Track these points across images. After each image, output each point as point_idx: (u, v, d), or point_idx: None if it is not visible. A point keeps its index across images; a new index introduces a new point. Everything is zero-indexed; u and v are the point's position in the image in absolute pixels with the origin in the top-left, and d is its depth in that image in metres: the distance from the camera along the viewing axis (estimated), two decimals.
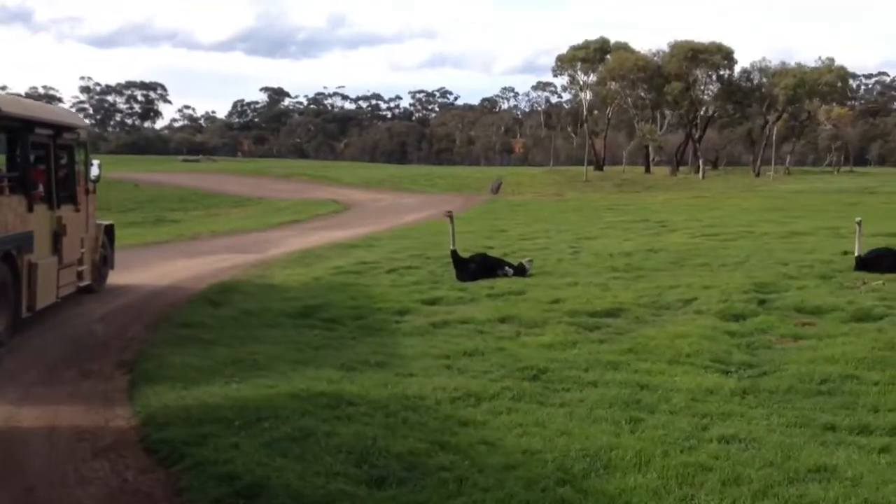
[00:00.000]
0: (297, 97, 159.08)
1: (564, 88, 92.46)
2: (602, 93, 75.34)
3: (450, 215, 15.35)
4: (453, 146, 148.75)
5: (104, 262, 13.73)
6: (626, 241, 20.99)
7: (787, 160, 73.47)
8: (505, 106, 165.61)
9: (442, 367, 8.32)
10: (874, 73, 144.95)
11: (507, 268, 14.83)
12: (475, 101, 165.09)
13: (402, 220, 31.21)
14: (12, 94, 23.61)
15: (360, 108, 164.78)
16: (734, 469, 5.34)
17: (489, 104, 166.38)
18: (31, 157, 10.85)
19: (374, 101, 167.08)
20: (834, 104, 73.53)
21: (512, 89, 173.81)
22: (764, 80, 71.39)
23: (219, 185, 49.25)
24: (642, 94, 72.74)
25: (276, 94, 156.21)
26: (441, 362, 8.55)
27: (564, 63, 77.43)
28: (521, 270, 14.89)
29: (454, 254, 14.94)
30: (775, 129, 69.47)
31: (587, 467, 5.46)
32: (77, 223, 12.23)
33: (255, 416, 6.42)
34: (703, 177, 67.29)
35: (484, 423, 6.40)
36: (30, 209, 10.34)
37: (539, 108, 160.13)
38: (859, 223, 14.18)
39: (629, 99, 73.75)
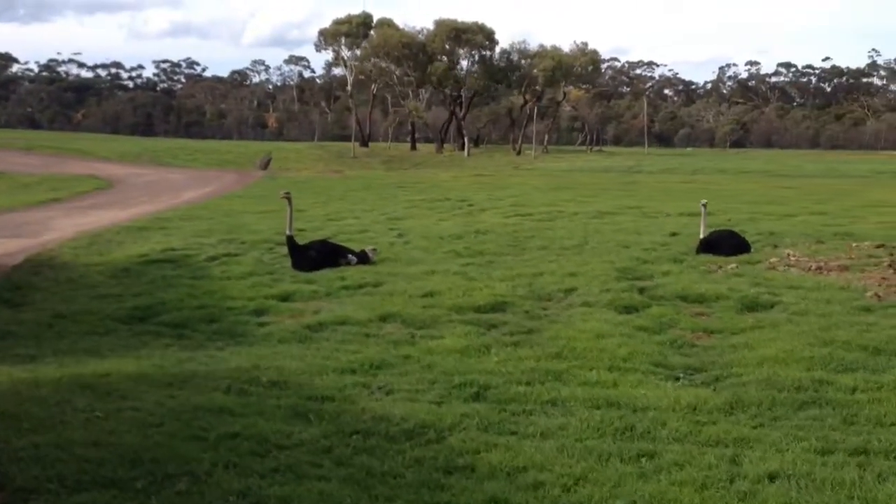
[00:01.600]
0: (26, 63, 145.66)
1: (329, 64, 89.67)
2: (367, 69, 74.35)
3: (287, 197, 13.66)
4: (203, 119, 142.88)
5: None
6: (443, 222, 20.14)
7: (545, 140, 76.24)
8: (256, 79, 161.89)
9: (358, 386, 6.89)
10: (606, 58, 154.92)
11: (349, 255, 13.42)
12: (224, 74, 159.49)
13: (180, 198, 28.59)
14: None
15: (98, 76, 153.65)
16: None
17: (239, 77, 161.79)
18: None
19: (114, 70, 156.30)
20: (590, 86, 77.21)
21: (263, 62, 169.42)
22: (522, 61, 73.49)
23: None
24: (408, 71, 72.47)
25: (3, 59, 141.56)
26: (351, 379, 7.10)
27: (328, 37, 75.66)
28: (363, 258, 13.55)
29: (290, 240, 13.32)
30: (535, 109, 71.85)
31: None
32: None
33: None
34: (468, 154, 68.36)
35: (472, 469, 5.12)
36: None
37: (292, 83, 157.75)
38: (704, 205, 14.11)
39: (395, 76, 73.23)
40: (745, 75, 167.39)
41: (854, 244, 14.90)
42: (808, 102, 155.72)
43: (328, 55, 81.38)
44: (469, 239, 16.58)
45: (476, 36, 69.79)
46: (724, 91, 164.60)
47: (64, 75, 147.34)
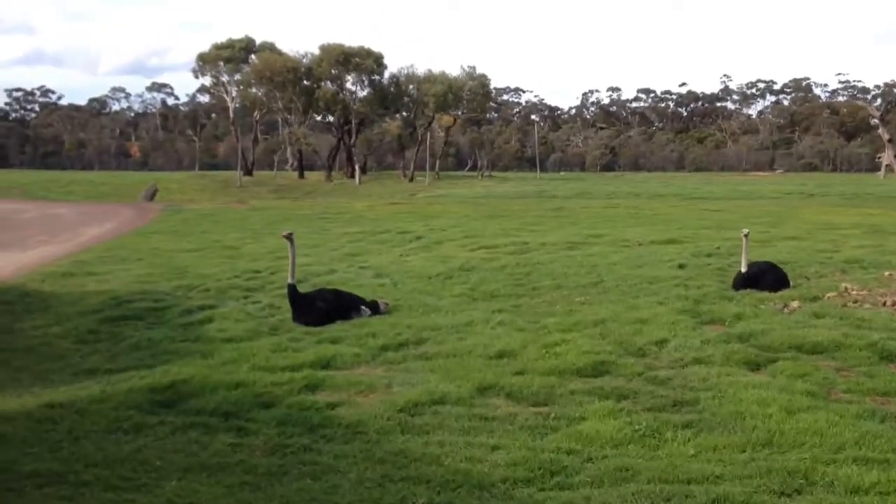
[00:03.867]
0: None
1: (207, 89, 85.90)
2: (250, 95, 71.33)
3: (290, 238, 11.50)
4: (62, 149, 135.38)
5: None
6: (408, 258, 18.25)
7: (437, 166, 74.92)
8: (116, 107, 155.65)
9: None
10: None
11: (362, 307, 11.38)
12: (82, 102, 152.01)
13: (84, 235, 25.54)
14: None
15: None
16: None
17: (98, 105, 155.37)
18: None
19: None
20: (475, 111, 76.43)
21: (123, 90, 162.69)
22: (411, 86, 72.14)
23: None
24: (293, 97, 69.88)
25: None
26: (530, 492, 5.23)
27: (207, 63, 72.24)
28: (375, 308, 11.55)
29: (293, 289, 11.18)
30: (428, 135, 70.50)
31: None
32: None
33: None
34: (360, 182, 66.29)
35: None
36: None
37: (154, 110, 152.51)
38: (746, 235, 12.79)
39: (280, 102, 70.47)
40: (606, 101, 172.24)
41: (887, 273, 13.95)
42: (667, 126, 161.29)
43: (206, 80, 77.53)
44: (462, 278, 14.81)
45: (366, 60, 67.98)
46: (588, 116, 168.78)
47: None
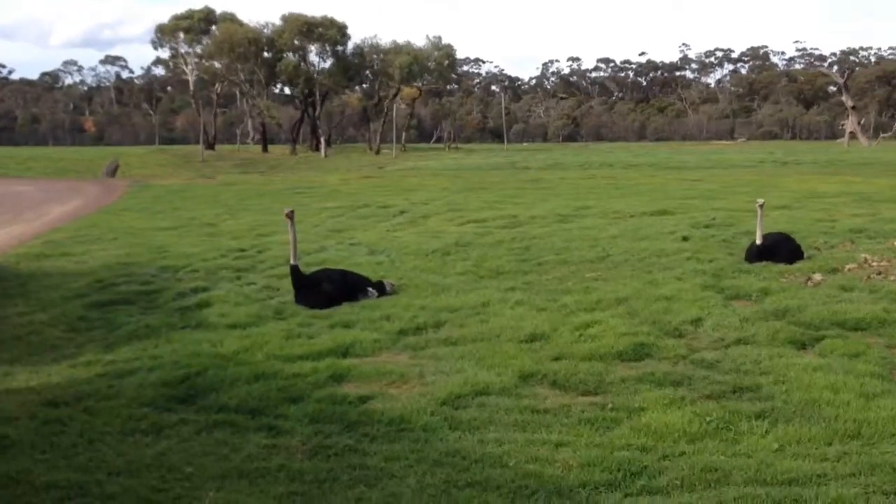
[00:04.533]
0: None
1: (163, 62, 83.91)
2: (211, 68, 69.69)
3: (290, 216, 10.80)
4: (14, 124, 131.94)
5: None
6: (397, 233, 17.65)
7: (403, 138, 73.97)
8: (69, 81, 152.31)
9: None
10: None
11: (369, 288, 10.77)
12: (34, 76, 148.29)
13: (49, 214, 24.49)
14: None
15: None
16: None
17: (51, 79, 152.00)
18: None
19: None
20: (440, 82, 75.55)
21: (75, 63, 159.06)
22: (375, 56, 70.98)
23: None
24: (255, 69, 68.40)
25: None
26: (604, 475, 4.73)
27: (166, 34, 70.38)
28: (381, 289, 10.93)
29: (296, 270, 10.53)
30: (395, 106, 69.50)
31: None
32: None
33: None
34: (325, 155, 65.26)
35: None
36: None
37: (109, 84, 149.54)
38: (761, 206, 12.35)
39: (241, 74, 68.92)
40: (567, 71, 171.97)
41: None
42: (627, 96, 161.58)
43: (164, 53, 75.66)
44: (460, 254, 14.24)
45: (329, 31, 66.63)
46: (548, 87, 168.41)
47: None
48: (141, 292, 11.44)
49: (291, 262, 10.54)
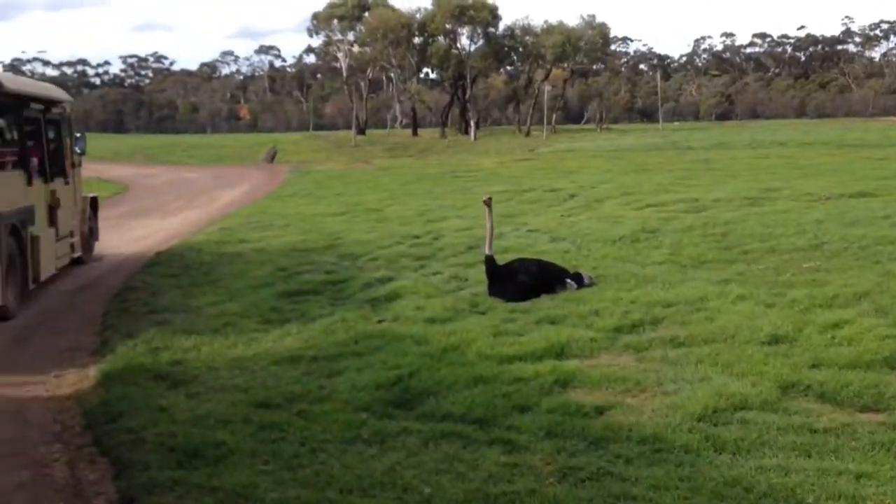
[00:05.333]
0: None
1: (314, 50, 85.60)
2: (364, 54, 70.36)
3: (488, 203, 10.16)
4: (175, 114, 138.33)
5: (91, 234, 13.93)
6: (572, 219, 16.82)
7: (553, 119, 72.69)
8: (226, 71, 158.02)
9: None
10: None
11: (568, 280, 9.99)
12: (193, 67, 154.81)
13: (219, 200, 25.01)
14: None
15: (64, 74, 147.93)
16: None
17: (209, 69, 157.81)
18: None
19: (80, 67, 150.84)
20: (593, 62, 73.82)
21: (232, 53, 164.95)
22: (527, 38, 69.91)
23: None
24: (406, 53, 68.63)
25: None
26: None
27: (321, 22, 71.56)
28: (579, 281, 10.13)
29: (491, 261, 9.88)
30: (546, 88, 68.35)
31: None
32: (67, 196, 12.35)
33: None
34: (475, 138, 64.83)
35: None
36: (29, 183, 10.44)
37: (263, 73, 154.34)
38: None
39: (393, 59, 69.29)
40: (720, 47, 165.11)
41: None
42: (784, 72, 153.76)
43: (318, 41, 77.04)
44: (652, 241, 13.29)
45: (480, 13, 65.99)
46: (700, 64, 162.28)
47: (29, 74, 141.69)
48: (327, 282, 11.08)
49: (486, 251, 9.89)
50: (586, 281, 10.16)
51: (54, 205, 11.45)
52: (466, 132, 67.94)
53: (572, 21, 69.67)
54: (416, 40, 69.25)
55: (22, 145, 10.59)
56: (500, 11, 77.54)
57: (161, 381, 7.07)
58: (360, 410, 6.13)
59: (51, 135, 12.10)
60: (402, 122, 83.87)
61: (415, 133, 70.13)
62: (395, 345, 7.70)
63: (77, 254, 12.87)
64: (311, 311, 9.43)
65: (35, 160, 11.01)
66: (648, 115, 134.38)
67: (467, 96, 70.14)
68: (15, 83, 10.80)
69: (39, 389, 7.30)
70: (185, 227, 18.35)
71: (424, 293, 10.02)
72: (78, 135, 13.50)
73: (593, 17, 68.34)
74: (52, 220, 11.36)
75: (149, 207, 23.14)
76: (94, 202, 14.18)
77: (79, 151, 13.41)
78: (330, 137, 69.99)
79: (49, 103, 11.96)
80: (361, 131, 70.23)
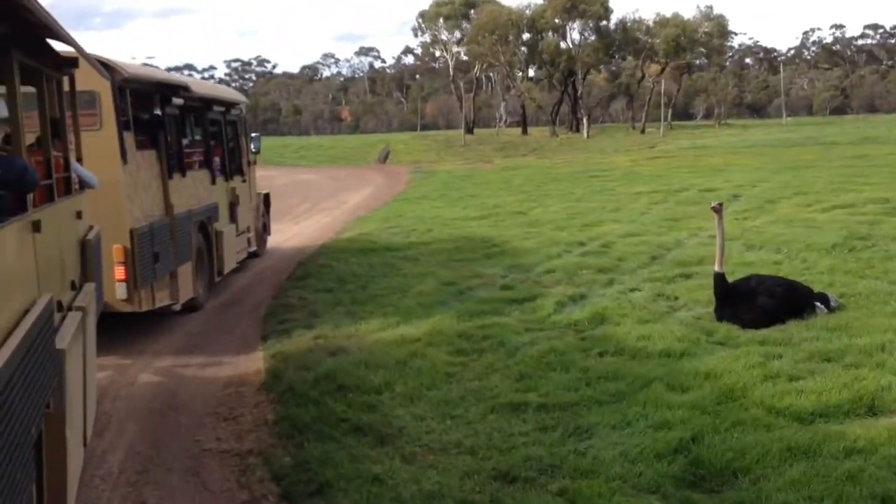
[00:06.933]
0: None
1: (412, 51, 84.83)
2: (473, 51, 68.91)
3: (718, 210, 8.47)
4: (279, 116, 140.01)
5: (264, 229, 14.51)
6: (749, 222, 14.92)
7: (668, 116, 69.89)
8: (327, 73, 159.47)
9: None
10: None
11: (817, 303, 8.20)
12: (295, 70, 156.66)
13: (346, 203, 23.93)
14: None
15: None
16: None
17: (310, 72, 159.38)
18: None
19: (186, 72, 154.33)
20: (714, 55, 70.72)
21: (332, 55, 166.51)
22: (639, 32, 67.38)
23: None
24: (516, 50, 66.96)
25: None
26: None
27: (427, 21, 70.55)
28: (825, 303, 8.33)
29: (721, 279, 8.18)
30: (662, 81, 65.69)
31: None
32: (245, 193, 12.77)
33: None
34: (588, 136, 62.69)
35: None
36: (213, 181, 10.94)
37: (363, 74, 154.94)
38: None
39: (502, 56, 67.67)
40: (829, 39, 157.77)
41: None
42: None
43: (423, 39, 76.06)
44: (872, 250, 11.37)
45: (592, 6, 63.76)
46: (808, 57, 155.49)
47: None
48: (508, 300, 9.57)
49: (717, 269, 8.18)
50: (833, 304, 8.35)
51: (234, 202, 11.93)
52: (577, 130, 65.87)
53: (686, 13, 66.72)
54: (525, 36, 67.42)
55: (206, 146, 11.10)
56: (611, 4, 74.87)
57: (362, 436, 5.65)
58: (646, 492, 4.58)
59: (230, 135, 12.52)
60: (506, 120, 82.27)
61: (524, 131, 68.40)
62: (643, 391, 6.08)
63: (253, 248, 13.29)
64: (508, 338, 7.90)
65: (217, 159, 11.41)
66: (758, 111, 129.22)
67: (579, 93, 67.96)
68: (201, 87, 11.57)
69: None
70: (320, 233, 17.21)
71: (636, 317, 8.39)
72: (253, 135, 14.03)
73: (710, 8, 65.37)
74: (233, 217, 11.85)
75: (277, 211, 22.10)
76: (266, 198, 14.79)
77: (254, 150, 13.87)
78: (438, 137, 68.89)
79: (228, 105, 12.44)
80: (470, 130, 68.93)
